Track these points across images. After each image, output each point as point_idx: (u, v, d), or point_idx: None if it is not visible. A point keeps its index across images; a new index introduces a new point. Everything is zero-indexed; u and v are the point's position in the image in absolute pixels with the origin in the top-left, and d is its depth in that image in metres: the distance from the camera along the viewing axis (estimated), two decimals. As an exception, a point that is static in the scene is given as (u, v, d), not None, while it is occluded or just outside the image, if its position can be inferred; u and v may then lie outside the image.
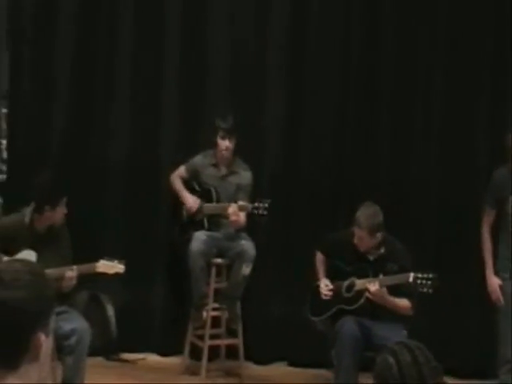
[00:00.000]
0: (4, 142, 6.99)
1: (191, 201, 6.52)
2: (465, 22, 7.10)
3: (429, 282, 5.41)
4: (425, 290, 5.43)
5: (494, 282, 5.80)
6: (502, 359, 5.76)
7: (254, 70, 7.11)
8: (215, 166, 6.60)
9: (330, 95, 7.13)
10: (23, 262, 2.15)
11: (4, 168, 6.98)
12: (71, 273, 5.29)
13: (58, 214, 5.47)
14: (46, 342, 2.03)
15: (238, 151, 6.60)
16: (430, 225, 7.12)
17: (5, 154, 6.95)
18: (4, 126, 6.98)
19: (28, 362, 2.02)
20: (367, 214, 5.62)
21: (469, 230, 7.00)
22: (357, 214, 5.65)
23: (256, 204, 6.21)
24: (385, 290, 5.53)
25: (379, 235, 5.63)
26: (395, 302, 5.58)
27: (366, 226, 5.57)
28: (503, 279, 5.80)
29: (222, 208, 6.37)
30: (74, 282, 5.33)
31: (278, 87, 7.11)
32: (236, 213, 6.26)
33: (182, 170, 6.66)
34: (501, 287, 5.78)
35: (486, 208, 5.92)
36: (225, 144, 6.48)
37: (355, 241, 5.65)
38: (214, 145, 6.55)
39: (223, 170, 6.59)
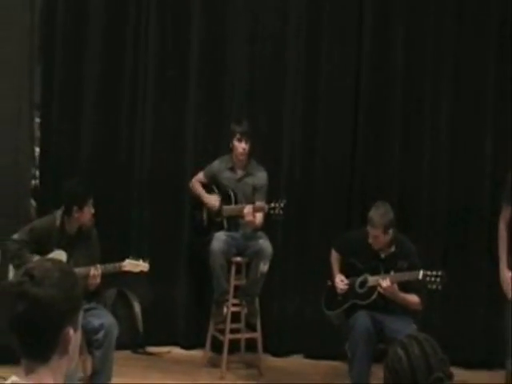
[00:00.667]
0: (37, 149, 7.02)
1: (212, 200, 6.52)
2: (470, 37, 7.07)
3: (437, 279, 5.41)
4: (434, 286, 5.43)
5: (506, 275, 5.77)
6: (509, 349, 5.73)
7: (271, 76, 7.10)
8: (232, 169, 6.59)
9: (343, 101, 7.12)
10: (53, 260, 2.16)
11: (37, 174, 7.00)
12: (95, 271, 5.31)
13: (85, 215, 5.49)
14: (74, 337, 2.05)
15: (255, 154, 6.59)
16: (439, 224, 7.09)
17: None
18: (37, 134, 7.00)
19: (58, 355, 2.04)
20: (380, 213, 5.61)
21: (476, 228, 7.01)
22: (370, 214, 5.64)
23: (272, 204, 6.21)
24: (396, 286, 5.53)
25: (391, 231, 5.62)
26: (405, 297, 5.58)
27: (379, 225, 5.57)
28: None
29: (239, 209, 6.36)
30: (99, 280, 5.35)
31: (294, 94, 7.10)
32: (251, 213, 6.26)
33: (200, 176, 6.65)
34: None
35: (503, 205, 5.88)
36: (241, 146, 6.47)
37: (370, 240, 5.63)
38: (231, 149, 6.55)
39: (239, 173, 6.58)
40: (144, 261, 5.51)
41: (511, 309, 5.70)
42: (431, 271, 5.43)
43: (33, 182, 6.95)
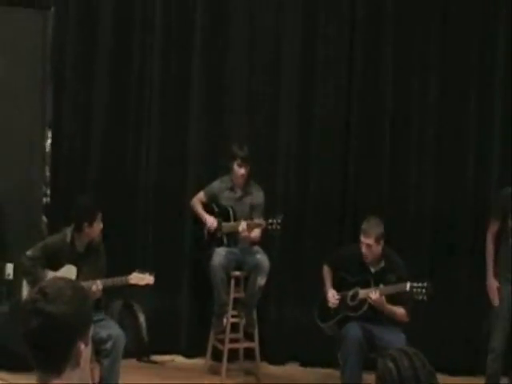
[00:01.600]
0: (48, 168, 7.03)
1: (210, 221, 6.53)
2: (455, 46, 7.10)
3: (423, 290, 5.42)
4: (420, 297, 5.44)
5: (492, 284, 5.83)
6: (489, 349, 5.81)
7: (267, 102, 7.11)
8: (231, 189, 6.59)
9: (335, 124, 7.13)
10: (66, 279, 2.16)
11: (48, 191, 7.01)
12: (96, 288, 5.29)
13: (95, 230, 5.49)
14: (85, 351, 2.05)
15: (253, 174, 6.60)
16: (426, 239, 7.10)
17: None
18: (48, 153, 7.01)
19: (70, 368, 2.04)
20: (372, 223, 5.66)
21: (460, 242, 7.02)
22: (363, 225, 5.67)
23: (270, 220, 6.22)
24: (384, 298, 5.53)
25: (382, 243, 5.64)
26: (393, 309, 5.60)
27: (373, 234, 5.60)
28: (500, 283, 5.82)
29: (236, 226, 6.38)
30: (99, 294, 5.32)
31: (289, 117, 7.11)
32: (246, 229, 6.27)
33: (201, 195, 6.65)
34: (498, 289, 5.80)
35: (491, 219, 5.93)
36: (241, 171, 6.48)
37: (363, 250, 5.64)
38: (230, 169, 6.57)
39: (238, 192, 6.59)
40: (150, 274, 5.51)
41: (496, 314, 5.79)
42: (417, 283, 5.45)
43: (44, 199, 6.96)
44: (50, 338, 1.98)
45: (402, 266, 5.74)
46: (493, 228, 5.89)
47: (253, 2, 7.09)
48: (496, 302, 5.80)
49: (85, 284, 5.16)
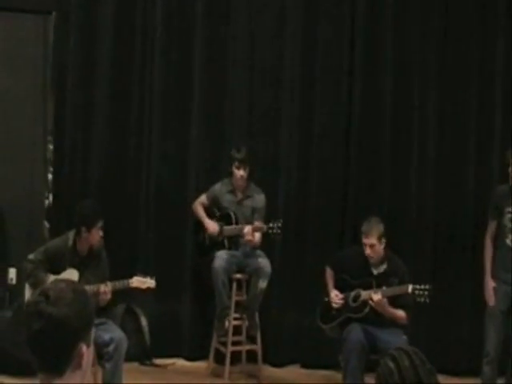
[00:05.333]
0: (50, 173, 7.03)
1: (211, 226, 6.54)
2: (454, 51, 7.14)
3: (425, 293, 5.45)
4: (422, 299, 5.46)
5: (489, 284, 5.83)
6: (484, 353, 5.80)
7: (269, 104, 7.13)
8: (232, 192, 6.60)
9: (337, 127, 7.14)
10: (67, 281, 2.16)
11: (50, 196, 7.00)
12: (105, 288, 5.31)
13: (93, 236, 5.47)
14: (87, 352, 2.05)
15: (255, 176, 6.62)
16: (427, 241, 7.12)
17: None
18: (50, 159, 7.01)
19: (72, 370, 2.04)
20: (372, 223, 5.70)
21: (462, 244, 7.03)
22: (363, 227, 5.70)
23: (271, 224, 6.23)
24: (385, 300, 5.54)
25: (384, 242, 5.65)
26: (394, 312, 5.60)
27: (375, 233, 5.64)
28: (497, 283, 5.81)
29: (239, 229, 6.38)
30: (109, 296, 5.34)
31: (290, 122, 7.12)
32: (250, 233, 6.28)
33: (203, 198, 6.67)
34: (495, 289, 5.79)
35: (488, 220, 5.93)
36: (239, 173, 6.49)
37: (367, 252, 5.65)
38: (230, 173, 6.57)
39: (239, 195, 6.60)
40: (151, 278, 5.51)
41: (489, 315, 5.78)
42: (420, 285, 5.46)
43: (46, 204, 6.96)
44: (52, 340, 1.99)
45: (404, 268, 5.76)
46: (490, 228, 5.89)
47: (254, 12, 7.08)
48: (492, 302, 5.80)
49: (94, 287, 5.19)
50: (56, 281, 2.15)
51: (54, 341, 1.99)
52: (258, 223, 6.34)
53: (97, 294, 5.23)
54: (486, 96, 7.15)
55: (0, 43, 6.77)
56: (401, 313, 5.60)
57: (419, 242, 7.08)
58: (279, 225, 6.20)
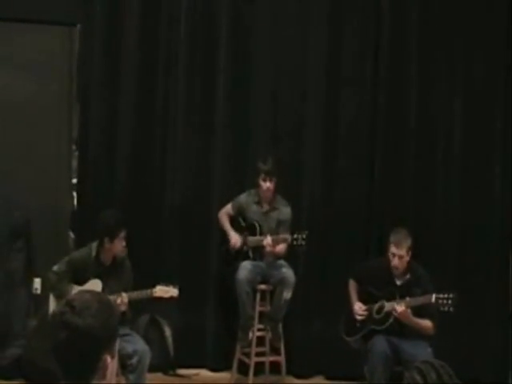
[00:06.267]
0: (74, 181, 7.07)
1: (234, 239, 6.53)
2: (479, 68, 7.10)
3: (449, 302, 5.38)
4: (446, 308, 5.39)
5: None
6: (510, 362, 5.73)
7: (293, 116, 7.13)
8: (258, 203, 6.60)
9: (361, 138, 7.12)
10: (93, 292, 2.17)
11: (75, 206, 7.02)
12: (122, 299, 5.30)
13: (116, 246, 5.49)
14: (111, 363, 2.06)
15: (279, 187, 6.60)
16: (452, 250, 7.08)
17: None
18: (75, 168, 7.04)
19: (96, 380, 2.05)
20: (403, 235, 5.66)
21: (487, 254, 6.99)
22: (392, 237, 5.64)
23: (295, 235, 6.21)
24: (409, 311, 5.49)
25: (410, 254, 5.63)
26: (419, 322, 5.55)
27: (405, 246, 5.60)
28: None
29: (262, 241, 6.37)
30: (124, 307, 5.32)
31: (314, 132, 7.11)
32: (270, 244, 6.27)
33: (228, 208, 6.67)
34: None
35: None
36: (266, 185, 6.48)
37: (394, 262, 5.61)
38: (257, 185, 6.57)
39: (265, 207, 6.59)
40: (174, 287, 5.51)
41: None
42: (443, 294, 5.41)
43: (70, 215, 6.98)
44: (77, 350, 2.00)
45: (427, 278, 5.71)
46: None
47: (278, 25, 7.08)
48: None
49: (111, 298, 5.19)
50: (81, 292, 2.16)
51: (79, 351, 2.00)
52: (282, 235, 6.32)
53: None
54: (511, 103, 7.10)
55: (26, 54, 6.82)
56: (427, 322, 5.55)
57: (444, 250, 7.04)
58: (304, 236, 6.17)
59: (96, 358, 2.02)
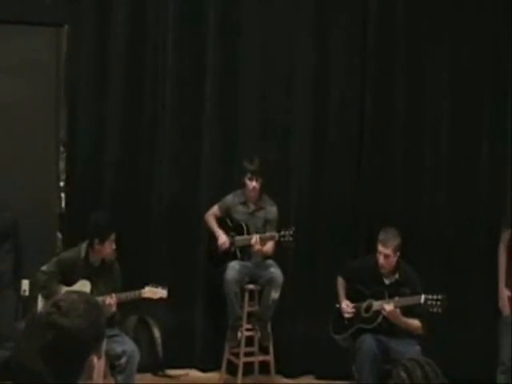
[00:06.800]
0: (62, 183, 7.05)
1: (222, 240, 6.54)
2: (467, 68, 7.12)
3: (438, 303, 5.41)
4: (434, 309, 5.43)
5: (503, 293, 5.80)
6: (499, 362, 5.77)
7: (281, 116, 7.14)
8: (244, 203, 6.60)
9: (349, 137, 7.13)
10: (79, 293, 2.17)
11: (63, 207, 7.01)
12: (110, 300, 5.31)
13: (106, 248, 5.49)
14: (98, 364, 2.05)
15: (267, 187, 6.61)
16: (441, 251, 7.09)
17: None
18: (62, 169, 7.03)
19: (83, 380, 2.04)
20: (391, 234, 5.67)
21: (475, 255, 7.01)
22: (380, 236, 5.66)
23: (282, 232, 6.23)
24: (398, 310, 5.51)
25: (398, 254, 5.64)
26: (407, 321, 5.57)
27: (391, 245, 5.60)
28: None
29: (249, 239, 6.39)
30: (114, 308, 5.33)
31: (302, 131, 7.12)
32: (258, 242, 6.28)
33: (215, 209, 6.68)
34: (509, 298, 5.76)
35: (502, 229, 5.91)
36: (252, 184, 6.50)
37: (381, 261, 5.63)
38: (243, 184, 6.58)
39: (252, 207, 6.60)
40: (162, 288, 5.52)
41: (503, 324, 5.75)
42: (432, 295, 5.43)
43: (58, 216, 6.97)
44: (64, 351, 1.99)
45: (416, 278, 5.73)
46: (504, 237, 5.87)
47: (266, 25, 7.10)
48: (506, 311, 5.77)
49: (99, 299, 5.18)
50: (68, 292, 2.16)
51: (66, 351, 1.99)
52: (269, 233, 6.34)
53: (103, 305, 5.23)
54: (499, 104, 7.12)
55: (14, 55, 6.81)
56: (416, 322, 5.57)
57: (433, 251, 7.05)
58: (291, 233, 6.20)
59: (82, 358, 2.02)
